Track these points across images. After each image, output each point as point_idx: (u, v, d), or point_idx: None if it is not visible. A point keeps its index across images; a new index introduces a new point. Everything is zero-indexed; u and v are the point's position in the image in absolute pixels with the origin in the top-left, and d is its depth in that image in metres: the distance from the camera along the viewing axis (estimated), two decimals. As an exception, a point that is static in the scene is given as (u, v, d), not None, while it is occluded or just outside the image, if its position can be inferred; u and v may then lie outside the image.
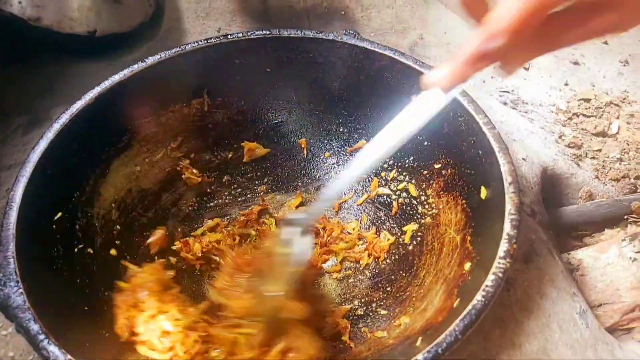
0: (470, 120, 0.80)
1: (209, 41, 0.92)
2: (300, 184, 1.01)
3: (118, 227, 0.85)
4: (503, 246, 0.65)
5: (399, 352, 0.64)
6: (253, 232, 0.90)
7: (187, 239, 0.89)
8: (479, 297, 0.61)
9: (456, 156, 0.83)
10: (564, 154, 1.01)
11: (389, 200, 0.93)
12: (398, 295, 0.79)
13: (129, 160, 0.90)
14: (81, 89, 0.82)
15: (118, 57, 1.38)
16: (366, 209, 0.96)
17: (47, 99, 1.35)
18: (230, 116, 0.99)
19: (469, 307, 0.60)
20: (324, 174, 1.01)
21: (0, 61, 1.45)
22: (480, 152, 0.78)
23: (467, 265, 0.70)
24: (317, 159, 1.01)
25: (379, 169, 0.95)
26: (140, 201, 0.90)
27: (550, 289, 0.74)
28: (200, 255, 0.87)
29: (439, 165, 0.86)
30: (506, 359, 0.66)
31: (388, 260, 0.88)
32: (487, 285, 0.61)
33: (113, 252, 0.82)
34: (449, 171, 0.84)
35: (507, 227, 0.66)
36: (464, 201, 0.79)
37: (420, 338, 0.63)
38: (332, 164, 1.00)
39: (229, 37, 0.92)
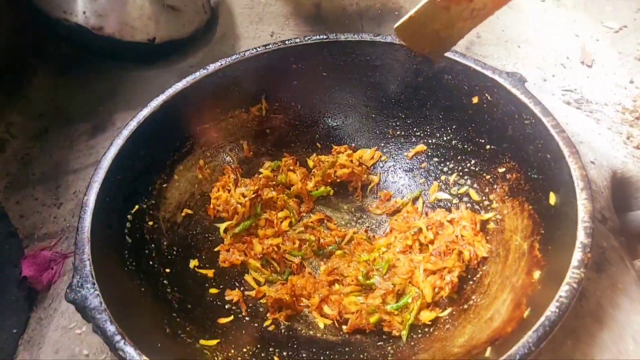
0: (537, 122, 0.78)
1: (267, 47, 0.93)
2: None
3: (181, 230, 0.88)
4: (577, 255, 0.62)
5: (467, 362, 0.63)
6: (313, 238, 0.91)
7: (251, 237, 0.90)
8: (552, 308, 0.59)
9: (522, 160, 0.81)
10: (633, 155, 0.96)
11: (448, 205, 0.91)
12: (461, 302, 0.77)
13: (191, 165, 0.92)
14: (142, 94, 0.85)
15: (175, 62, 1.42)
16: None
17: (109, 105, 1.40)
18: (287, 121, 1.00)
19: (542, 318, 0.58)
20: (381, 178, 1.00)
21: (64, 69, 1.52)
22: (548, 156, 0.76)
23: (537, 274, 0.68)
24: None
25: (439, 172, 0.94)
26: (202, 204, 0.92)
27: (623, 299, 0.71)
28: (260, 256, 0.88)
29: (503, 169, 0.84)
30: (580, 371, 0.64)
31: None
32: (560, 296, 0.59)
33: (178, 253, 0.84)
34: (514, 175, 0.82)
35: (581, 236, 0.64)
36: (530, 207, 0.77)
37: (489, 348, 0.61)
38: (389, 168, 0.99)
39: (286, 42, 0.93)
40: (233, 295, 0.82)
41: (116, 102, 1.41)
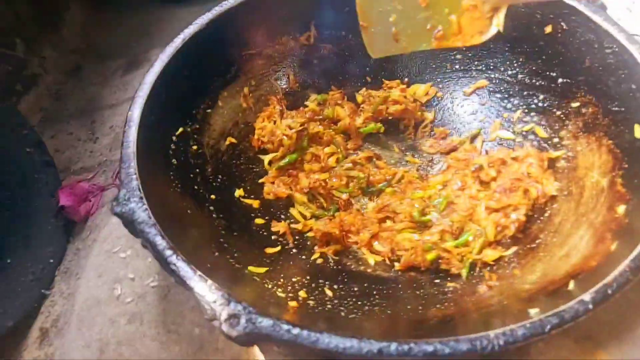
0: (622, 51, 0.70)
1: (319, -31, 0.86)
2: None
3: (225, 158, 0.83)
4: (677, 183, 0.56)
5: (543, 296, 0.57)
6: (361, 175, 0.85)
7: (297, 172, 0.85)
8: (651, 237, 0.53)
9: (600, 93, 0.74)
10: None
11: (511, 144, 0.85)
12: (528, 242, 0.72)
13: (235, 93, 0.87)
14: (176, 31, 0.80)
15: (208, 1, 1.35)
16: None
17: (143, 42, 1.35)
18: (337, 51, 0.94)
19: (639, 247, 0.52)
20: (437, 116, 0.93)
21: (97, 5, 1.47)
22: (633, 86, 0.69)
23: (621, 209, 0.62)
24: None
25: (501, 109, 0.87)
26: (246, 134, 0.87)
27: None
28: (306, 191, 0.83)
29: (577, 104, 0.77)
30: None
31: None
32: (659, 226, 0.53)
33: (222, 181, 0.80)
34: (590, 110, 0.75)
35: (677, 164, 0.57)
36: (610, 141, 0.70)
37: (572, 282, 0.56)
38: (446, 105, 0.93)
39: (340, -37, 0.86)
40: (279, 227, 0.78)
41: (151, 39, 1.36)
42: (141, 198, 0.61)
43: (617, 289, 0.50)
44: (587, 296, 0.49)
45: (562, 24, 0.78)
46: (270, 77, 0.91)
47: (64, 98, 1.26)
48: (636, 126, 0.67)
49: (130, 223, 0.59)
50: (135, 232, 0.59)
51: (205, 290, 0.52)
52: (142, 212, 0.59)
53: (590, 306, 0.49)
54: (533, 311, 0.52)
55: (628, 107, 0.69)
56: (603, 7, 0.76)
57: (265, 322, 0.50)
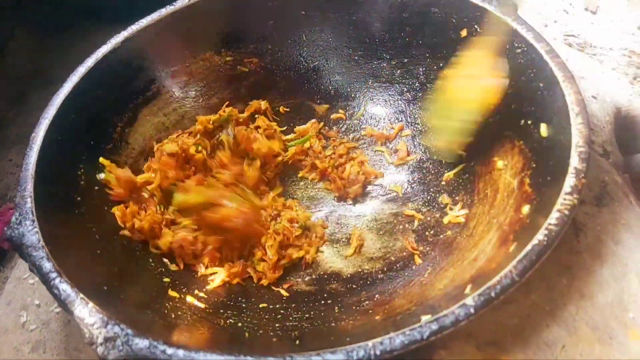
0: (530, 49, 0.70)
1: (240, -18, 0.86)
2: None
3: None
4: (569, 181, 0.55)
5: (445, 300, 0.56)
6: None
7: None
8: (540, 236, 0.52)
9: (513, 93, 0.73)
10: (640, 95, 0.88)
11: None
12: (444, 247, 0.70)
13: (157, 110, 0.86)
14: None
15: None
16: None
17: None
18: (263, 65, 0.93)
19: (529, 247, 0.51)
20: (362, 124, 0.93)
21: (43, 30, 1.47)
22: (541, 84, 0.68)
23: (526, 209, 0.61)
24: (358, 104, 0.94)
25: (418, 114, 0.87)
26: (169, 152, 0.86)
27: (627, 234, 0.63)
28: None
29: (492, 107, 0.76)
30: (574, 309, 0.57)
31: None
32: (550, 224, 0.52)
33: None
34: (504, 110, 0.74)
35: (575, 161, 0.57)
36: (521, 142, 0.70)
37: (469, 286, 0.54)
38: (374, 113, 0.92)
39: (260, -24, 0.86)
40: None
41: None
42: (33, 221, 0.59)
43: (501, 291, 0.48)
44: (469, 300, 0.48)
45: (476, 26, 0.78)
46: (195, 93, 0.90)
47: (7, 125, 1.25)
48: (542, 125, 0.66)
49: (18, 247, 0.58)
50: (23, 256, 0.57)
51: (85, 313, 0.51)
52: (32, 235, 0.58)
53: (472, 310, 0.47)
54: (425, 318, 0.50)
55: (537, 106, 0.69)
56: (514, 7, 0.76)
57: (141, 344, 0.48)
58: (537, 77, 0.69)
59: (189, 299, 0.67)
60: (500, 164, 0.72)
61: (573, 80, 0.64)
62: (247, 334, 0.61)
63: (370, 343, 0.46)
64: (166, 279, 0.70)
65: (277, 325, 0.64)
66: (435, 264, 0.68)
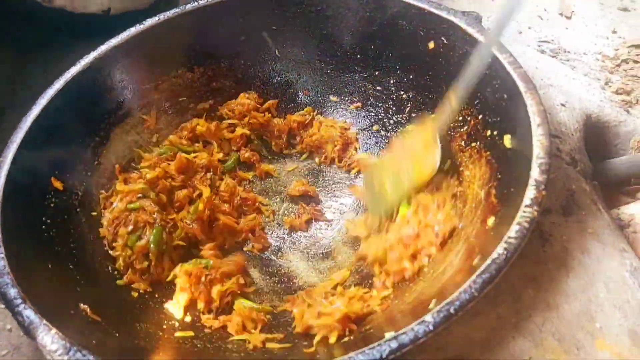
0: (494, 61, 0.71)
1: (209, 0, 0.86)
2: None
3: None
4: (530, 193, 0.55)
5: (410, 317, 0.56)
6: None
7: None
8: (500, 250, 0.52)
9: (480, 104, 0.74)
10: (611, 100, 0.88)
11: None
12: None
13: (130, 129, 0.86)
14: None
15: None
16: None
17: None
18: (237, 80, 0.94)
19: (488, 261, 0.51)
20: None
21: (19, 48, 1.46)
22: (505, 95, 0.69)
23: (491, 221, 0.61)
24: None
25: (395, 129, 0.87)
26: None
27: (594, 243, 0.63)
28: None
29: (461, 117, 0.77)
30: (541, 321, 0.57)
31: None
32: (509, 237, 0.53)
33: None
34: (472, 122, 0.75)
35: (535, 173, 0.57)
36: (487, 152, 0.70)
37: (434, 300, 0.54)
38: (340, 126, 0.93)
39: (230, -6, 0.87)
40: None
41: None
42: (-1, 247, 0.59)
43: (460, 307, 0.48)
44: (428, 317, 0.48)
45: (443, 38, 0.79)
46: (169, 110, 0.90)
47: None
48: (506, 136, 0.67)
49: (-17, 274, 0.57)
50: (-12, 283, 0.57)
51: (48, 340, 0.51)
52: (-4, 261, 0.58)
53: (431, 327, 0.48)
54: (388, 335, 0.50)
55: (502, 117, 0.69)
56: (478, 18, 0.77)
57: (102, 370, 0.48)
58: (501, 88, 0.69)
59: (159, 320, 0.67)
60: (468, 174, 0.73)
61: (535, 91, 0.65)
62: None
63: (329, 363, 0.46)
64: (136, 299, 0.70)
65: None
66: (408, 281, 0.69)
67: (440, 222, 0.69)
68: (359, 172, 0.89)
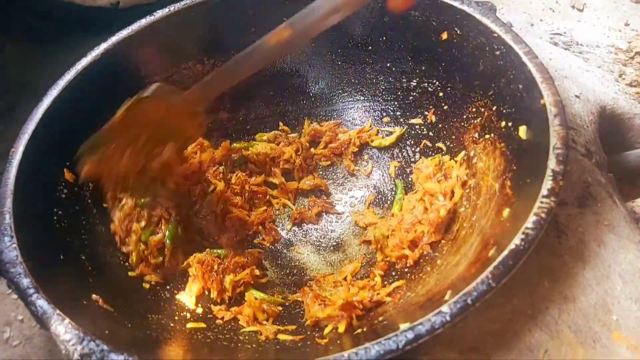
0: (508, 51, 0.70)
1: (220, -9, 0.86)
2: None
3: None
4: (547, 184, 0.55)
5: (425, 307, 0.55)
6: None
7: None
8: (517, 241, 0.51)
9: (494, 95, 0.73)
10: (625, 92, 0.87)
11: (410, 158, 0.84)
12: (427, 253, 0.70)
13: (141, 121, 0.85)
14: None
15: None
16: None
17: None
18: (246, 72, 0.93)
19: (506, 252, 0.51)
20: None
21: (31, 42, 1.47)
22: (520, 86, 0.68)
23: (506, 212, 0.60)
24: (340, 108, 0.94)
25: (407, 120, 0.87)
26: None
27: (610, 236, 0.63)
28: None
29: (475, 109, 0.76)
30: (557, 313, 0.56)
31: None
32: (527, 228, 0.52)
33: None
34: (485, 113, 0.74)
35: (552, 163, 0.56)
36: (502, 144, 0.69)
37: (449, 292, 0.54)
38: (355, 118, 0.92)
39: (241, -15, 0.86)
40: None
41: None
42: (12, 237, 0.59)
43: (477, 298, 0.48)
44: (445, 307, 0.48)
45: (456, 29, 0.78)
46: (179, 102, 0.90)
47: (-3, 139, 1.24)
48: (521, 127, 0.66)
49: (-4, 263, 0.57)
50: (1, 272, 0.57)
51: (61, 329, 0.50)
52: (10, 251, 0.58)
53: (448, 318, 0.47)
54: (403, 326, 0.50)
55: (517, 108, 0.69)
56: (492, 9, 0.76)
57: (117, 359, 0.48)
58: (516, 78, 0.68)
59: (171, 311, 0.67)
60: (482, 166, 0.72)
61: (551, 81, 0.64)
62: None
63: (345, 354, 0.46)
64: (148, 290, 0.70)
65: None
66: (417, 270, 0.68)
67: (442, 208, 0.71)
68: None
